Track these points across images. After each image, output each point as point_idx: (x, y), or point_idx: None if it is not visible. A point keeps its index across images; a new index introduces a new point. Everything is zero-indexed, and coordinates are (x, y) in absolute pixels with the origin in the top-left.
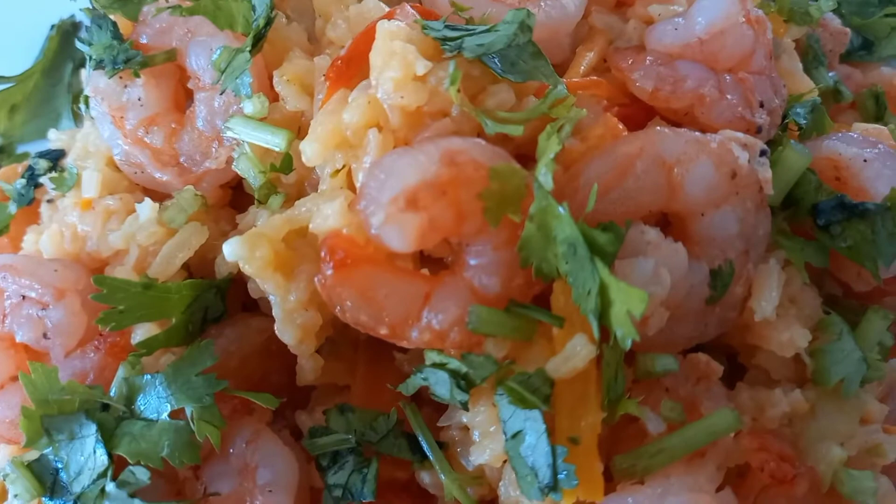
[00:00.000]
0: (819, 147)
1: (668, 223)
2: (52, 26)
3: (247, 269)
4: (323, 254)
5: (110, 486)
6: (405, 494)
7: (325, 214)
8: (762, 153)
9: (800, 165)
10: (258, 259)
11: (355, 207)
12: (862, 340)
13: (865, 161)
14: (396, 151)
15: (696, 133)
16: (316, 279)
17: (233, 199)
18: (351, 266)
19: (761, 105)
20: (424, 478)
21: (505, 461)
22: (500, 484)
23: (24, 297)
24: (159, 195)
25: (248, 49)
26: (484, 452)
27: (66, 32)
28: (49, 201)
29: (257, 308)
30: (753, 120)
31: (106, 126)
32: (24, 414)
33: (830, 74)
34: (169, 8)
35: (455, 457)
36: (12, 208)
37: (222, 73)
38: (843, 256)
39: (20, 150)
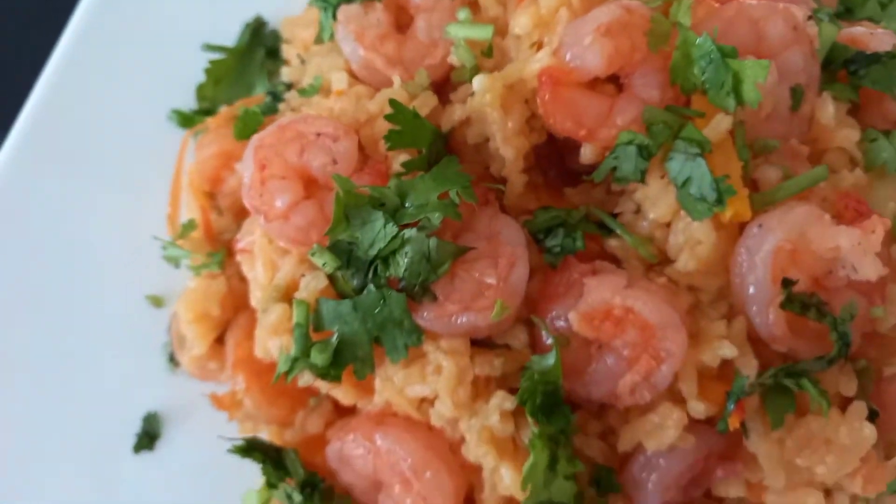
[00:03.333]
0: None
1: None
2: (245, 24)
3: (486, 99)
4: (543, 79)
5: (410, 232)
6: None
7: (538, 59)
8: (809, 17)
9: (833, 34)
10: (494, 94)
11: (558, 53)
12: None
13: (871, 34)
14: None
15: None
16: (538, 98)
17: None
18: (561, 86)
19: None
20: (612, 243)
21: (669, 223)
22: (670, 237)
23: (318, 133)
24: None
25: None
26: (660, 208)
27: (257, 27)
28: (292, 109)
29: None
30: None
31: (349, 43)
32: (335, 202)
33: None
34: None
35: (632, 229)
36: (261, 117)
37: None
38: (871, 91)
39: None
